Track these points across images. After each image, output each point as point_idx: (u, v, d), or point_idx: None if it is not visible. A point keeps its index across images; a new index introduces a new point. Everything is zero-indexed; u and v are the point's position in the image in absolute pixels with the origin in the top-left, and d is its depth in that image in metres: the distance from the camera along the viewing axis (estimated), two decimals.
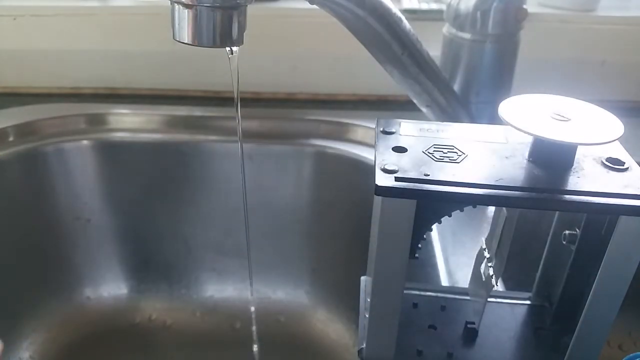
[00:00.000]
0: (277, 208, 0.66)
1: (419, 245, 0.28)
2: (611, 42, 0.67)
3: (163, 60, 0.69)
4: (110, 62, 0.70)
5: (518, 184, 0.26)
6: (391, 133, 0.31)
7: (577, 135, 0.27)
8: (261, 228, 0.66)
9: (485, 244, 0.35)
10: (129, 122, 0.66)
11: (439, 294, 0.37)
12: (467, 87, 0.55)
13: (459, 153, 0.29)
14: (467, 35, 0.53)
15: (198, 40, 0.32)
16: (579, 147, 0.28)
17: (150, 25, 0.67)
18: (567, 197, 0.26)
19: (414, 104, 0.53)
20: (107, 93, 0.72)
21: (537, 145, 0.28)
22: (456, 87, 0.55)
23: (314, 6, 0.37)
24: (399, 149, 0.29)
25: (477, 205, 0.28)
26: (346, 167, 0.62)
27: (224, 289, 0.70)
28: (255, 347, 0.54)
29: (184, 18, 0.32)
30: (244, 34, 0.34)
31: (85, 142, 0.64)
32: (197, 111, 0.67)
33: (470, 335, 0.34)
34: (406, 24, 0.43)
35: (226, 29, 0.32)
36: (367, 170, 0.60)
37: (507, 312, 0.36)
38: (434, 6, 0.68)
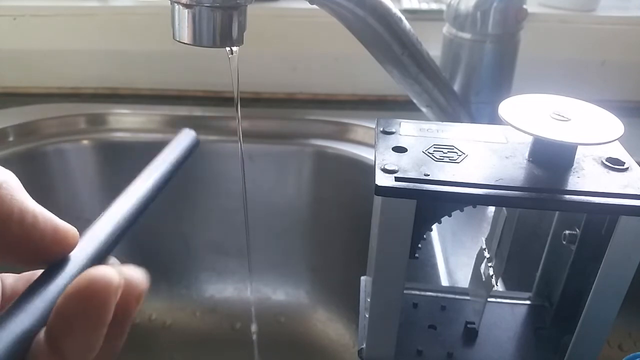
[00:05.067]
0: (277, 208, 0.66)
1: (419, 245, 0.28)
2: (611, 42, 0.67)
3: (163, 60, 0.69)
4: (110, 62, 0.70)
5: (518, 184, 0.26)
6: (391, 133, 0.31)
7: (577, 135, 0.27)
8: (261, 228, 0.66)
9: (485, 244, 0.35)
10: (129, 122, 0.66)
11: (439, 294, 0.37)
12: (467, 87, 0.55)
13: (459, 153, 0.29)
14: (467, 35, 0.53)
15: (198, 40, 0.32)
16: (579, 147, 0.28)
17: (150, 25, 0.67)
18: (567, 197, 0.26)
19: (414, 104, 0.53)
20: (107, 93, 0.72)
21: (537, 145, 0.28)
22: (456, 87, 0.55)
23: (314, 6, 0.37)
24: (399, 149, 0.29)
25: (477, 205, 0.28)
26: (346, 167, 0.62)
27: (224, 289, 0.70)
28: (255, 347, 0.54)
29: (184, 18, 0.32)
30: (244, 34, 0.34)
31: (85, 142, 0.64)
32: (197, 111, 0.67)
33: (470, 335, 0.34)
34: (406, 24, 0.43)
35: (226, 29, 0.32)
36: (367, 170, 0.60)
37: (507, 312, 0.36)
38: (434, 6, 0.68)
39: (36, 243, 0.19)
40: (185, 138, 0.30)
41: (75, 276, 0.19)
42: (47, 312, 0.18)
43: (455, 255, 0.45)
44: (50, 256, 0.20)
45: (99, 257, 0.21)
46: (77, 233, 0.21)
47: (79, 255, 0.20)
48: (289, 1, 0.68)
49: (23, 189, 0.19)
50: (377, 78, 0.57)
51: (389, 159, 0.28)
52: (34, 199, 0.20)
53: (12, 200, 0.19)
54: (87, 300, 0.17)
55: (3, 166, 0.20)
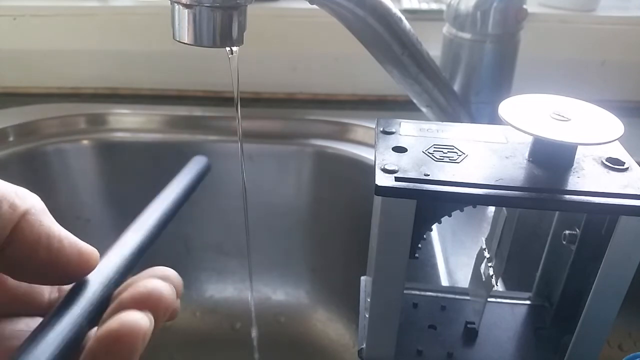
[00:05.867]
0: (277, 208, 0.66)
1: (419, 245, 0.28)
2: (611, 42, 0.67)
3: (163, 60, 0.69)
4: (110, 62, 0.70)
5: (518, 184, 0.26)
6: (391, 133, 0.31)
7: (577, 135, 0.27)
8: (261, 228, 0.66)
9: (485, 244, 0.35)
10: (129, 122, 0.66)
11: (439, 294, 0.37)
12: (467, 87, 0.55)
13: (459, 153, 0.29)
14: (467, 35, 0.53)
15: (198, 40, 0.32)
16: (579, 147, 0.28)
17: (150, 25, 0.67)
18: (567, 197, 0.26)
19: (414, 104, 0.53)
20: (107, 93, 0.72)
21: (537, 145, 0.28)
22: (456, 87, 0.55)
23: (314, 6, 0.37)
24: (399, 149, 0.29)
25: (477, 205, 0.28)
26: (346, 167, 0.62)
27: (224, 289, 0.70)
28: (255, 347, 0.54)
29: (184, 18, 0.32)
30: (244, 34, 0.34)
31: (85, 142, 0.64)
32: (197, 111, 0.67)
33: (470, 335, 0.34)
34: (406, 24, 0.43)
35: (226, 29, 0.32)
36: (367, 170, 0.60)
37: (507, 312, 0.36)
38: (434, 6, 0.68)
39: (62, 266, 0.20)
40: (196, 164, 0.31)
41: (96, 299, 0.20)
42: (75, 334, 0.18)
43: (455, 255, 0.45)
44: (74, 277, 0.20)
45: (118, 280, 0.22)
46: (98, 254, 0.21)
47: (98, 279, 0.21)
48: (289, 1, 0.68)
49: (49, 213, 0.20)
50: (377, 78, 0.57)
51: (389, 159, 0.28)
52: None
53: (40, 227, 0.19)
54: (116, 343, 0.18)
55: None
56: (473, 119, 0.55)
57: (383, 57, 0.45)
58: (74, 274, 0.20)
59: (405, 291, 0.32)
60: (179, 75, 0.71)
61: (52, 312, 0.19)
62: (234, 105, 0.38)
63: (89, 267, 0.21)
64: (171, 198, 0.28)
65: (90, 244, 0.22)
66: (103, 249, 0.23)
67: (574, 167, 0.28)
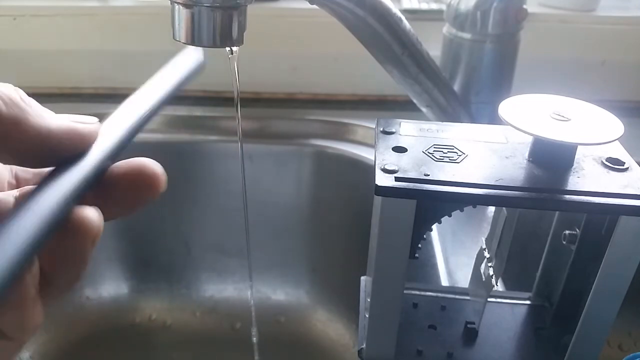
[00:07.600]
0: (277, 208, 0.66)
1: (419, 245, 0.28)
2: (611, 42, 0.67)
3: (163, 60, 0.69)
4: (110, 62, 0.70)
5: (518, 184, 0.26)
6: (391, 133, 0.31)
7: (577, 135, 0.27)
8: (261, 228, 0.66)
9: (485, 244, 0.35)
10: None
11: (439, 294, 0.37)
12: (467, 87, 0.55)
13: (459, 153, 0.29)
14: (467, 35, 0.53)
15: (198, 40, 0.32)
16: (579, 147, 0.28)
17: (150, 25, 0.67)
18: (567, 197, 0.26)
19: (414, 104, 0.53)
20: (107, 93, 0.72)
21: (537, 145, 0.28)
22: (456, 87, 0.55)
23: (314, 6, 0.37)
24: (399, 149, 0.29)
25: (477, 205, 0.28)
26: (346, 167, 0.62)
27: (224, 289, 0.70)
28: (255, 348, 0.54)
29: (183, 18, 0.32)
30: (244, 34, 0.34)
31: None
32: (197, 111, 0.67)
33: (470, 335, 0.34)
34: (406, 24, 0.43)
35: (226, 29, 0.32)
36: (367, 170, 0.60)
37: (507, 312, 0.36)
38: (434, 6, 0.68)
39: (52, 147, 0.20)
40: (190, 59, 0.30)
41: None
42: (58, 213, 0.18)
43: (455, 255, 0.45)
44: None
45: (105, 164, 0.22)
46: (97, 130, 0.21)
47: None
48: (289, 1, 0.68)
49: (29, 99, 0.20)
50: (377, 78, 0.57)
51: (389, 159, 0.28)
52: None
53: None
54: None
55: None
56: (473, 119, 0.55)
57: (383, 57, 0.45)
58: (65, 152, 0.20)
59: (405, 291, 0.32)
60: None
61: (38, 188, 0.18)
62: (234, 105, 0.38)
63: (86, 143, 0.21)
64: (161, 91, 0.27)
65: None
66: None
67: (574, 167, 0.28)
